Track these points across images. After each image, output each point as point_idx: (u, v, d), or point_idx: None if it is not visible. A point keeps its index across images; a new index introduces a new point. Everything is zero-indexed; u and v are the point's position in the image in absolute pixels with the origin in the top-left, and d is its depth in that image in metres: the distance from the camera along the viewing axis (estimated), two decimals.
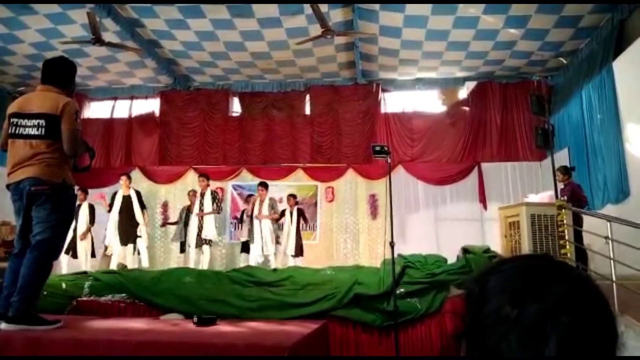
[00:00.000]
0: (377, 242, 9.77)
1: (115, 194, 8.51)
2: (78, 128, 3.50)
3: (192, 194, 9.41)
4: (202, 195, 8.62)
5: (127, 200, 8.32)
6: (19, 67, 10.43)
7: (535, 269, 0.77)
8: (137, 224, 8.26)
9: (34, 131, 3.42)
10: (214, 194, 8.75)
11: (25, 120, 3.44)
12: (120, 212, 8.20)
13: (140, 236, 8.32)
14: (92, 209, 8.70)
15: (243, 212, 9.63)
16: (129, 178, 8.69)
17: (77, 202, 8.04)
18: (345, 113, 11.49)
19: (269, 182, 10.62)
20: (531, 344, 0.68)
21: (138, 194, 8.56)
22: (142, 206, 8.50)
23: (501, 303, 0.73)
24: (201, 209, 8.47)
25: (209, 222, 8.45)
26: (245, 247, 9.09)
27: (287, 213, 9.14)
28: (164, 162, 11.52)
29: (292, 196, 9.43)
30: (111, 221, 8.23)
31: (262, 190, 8.89)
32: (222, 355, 2.58)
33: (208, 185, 8.77)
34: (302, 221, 9.30)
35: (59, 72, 3.65)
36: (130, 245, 8.20)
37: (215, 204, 8.53)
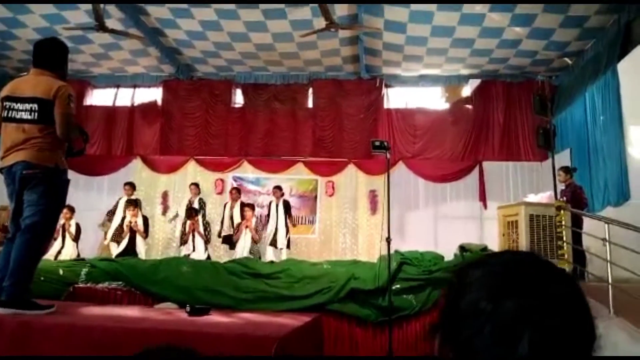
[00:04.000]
0: (375, 237, 9.76)
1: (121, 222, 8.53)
2: (71, 112, 3.48)
3: (192, 187, 9.42)
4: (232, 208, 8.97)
5: (132, 233, 8.35)
6: (22, 52, 10.41)
7: (516, 266, 0.76)
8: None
9: (26, 115, 3.40)
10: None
11: (18, 104, 3.42)
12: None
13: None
14: (78, 227, 8.48)
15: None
16: (135, 207, 8.56)
17: (62, 221, 8.09)
18: (347, 107, 11.44)
19: (269, 175, 10.69)
20: (504, 341, 0.67)
21: (145, 220, 8.62)
22: (147, 232, 8.62)
23: (478, 297, 0.72)
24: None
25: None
26: (228, 241, 8.97)
27: (273, 205, 9.04)
28: (166, 152, 11.50)
29: (277, 188, 9.31)
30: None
31: (249, 210, 8.67)
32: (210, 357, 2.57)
33: (239, 197, 9.16)
34: (286, 215, 9.04)
35: (51, 55, 3.62)
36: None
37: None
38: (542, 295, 0.69)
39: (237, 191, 9.43)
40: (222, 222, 9.13)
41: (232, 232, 8.80)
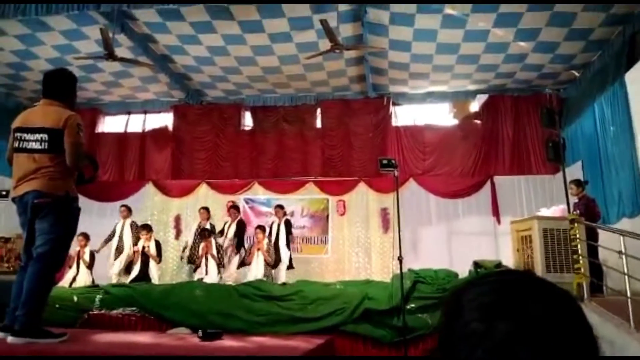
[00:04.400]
0: (388, 256, 9.68)
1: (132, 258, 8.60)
2: (81, 141, 3.54)
3: (202, 211, 9.42)
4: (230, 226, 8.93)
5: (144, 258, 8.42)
6: (34, 82, 10.62)
7: (512, 285, 0.75)
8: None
9: (37, 145, 3.47)
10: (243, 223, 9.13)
11: (29, 135, 3.49)
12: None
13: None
14: (92, 255, 8.54)
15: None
16: (149, 231, 8.68)
17: (77, 248, 8.24)
18: (356, 126, 11.48)
19: (280, 197, 10.69)
20: None
21: (157, 245, 8.68)
22: (160, 256, 8.67)
23: (472, 317, 0.72)
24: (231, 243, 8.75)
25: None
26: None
27: (275, 225, 9.00)
28: (177, 176, 11.59)
29: (279, 207, 9.32)
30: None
31: (260, 233, 8.67)
32: None
33: (238, 214, 9.11)
34: (288, 235, 9.02)
35: (60, 85, 3.70)
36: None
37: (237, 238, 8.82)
38: (535, 316, 0.69)
39: (235, 210, 9.39)
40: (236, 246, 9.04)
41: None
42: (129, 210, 9.04)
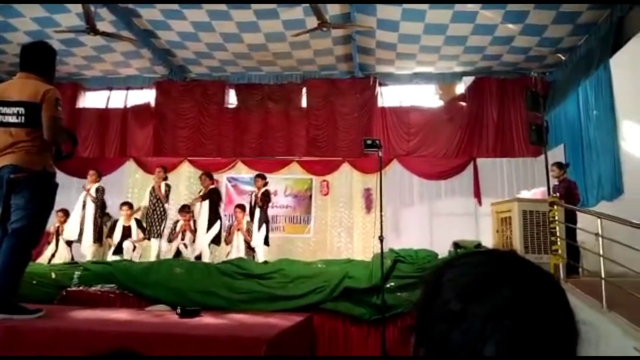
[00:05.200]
0: (370, 236, 9.73)
1: (114, 224, 8.42)
2: (59, 116, 3.47)
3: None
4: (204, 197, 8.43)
5: (126, 231, 8.24)
6: (13, 55, 10.33)
7: (491, 266, 0.73)
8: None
9: (13, 119, 3.39)
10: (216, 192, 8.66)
11: (5, 108, 3.41)
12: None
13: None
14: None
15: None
16: (130, 207, 8.51)
17: (57, 224, 8.13)
18: (341, 106, 11.42)
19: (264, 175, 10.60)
20: (471, 344, 0.65)
21: (138, 222, 8.47)
22: (143, 232, 8.39)
23: (449, 298, 0.70)
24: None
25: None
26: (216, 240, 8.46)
27: (253, 196, 8.52)
28: (159, 153, 11.45)
29: (260, 177, 8.69)
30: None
31: (240, 212, 8.38)
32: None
33: (212, 183, 8.67)
34: (263, 206, 8.34)
35: (38, 58, 3.61)
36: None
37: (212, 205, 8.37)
38: (511, 298, 0.67)
39: (208, 177, 8.72)
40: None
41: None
42: (98, 175, 8.56)
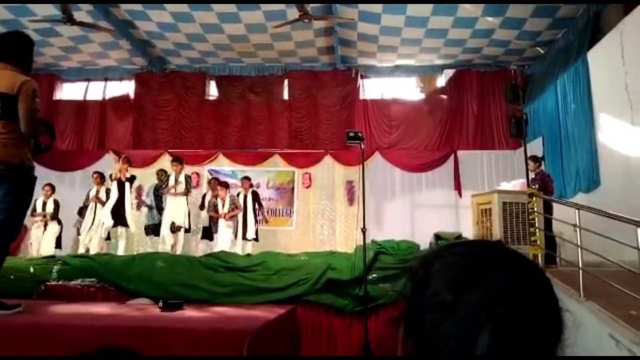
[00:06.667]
0: (352, 228, 9.79)
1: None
2: (36, 107, 3.40)
3: (161, 173, 9.20)
4: (176, 180, 8.40)
5: (121, 187, 8.13)
6: None
7: (481, 256, 0.74)
8: (125, 212, 8.11)
9: None
10: (187, 178, 8.57)
11: None
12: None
13: (127, 226, 8.18)
14: (56, 204, 8.39)
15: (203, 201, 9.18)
16: (129, 162, 8.50)
17: (43, 198, 8.12)
18: (323, 99, 11.40)
19: (245, 168, 10.57)
20: (464, 334, 0.65)
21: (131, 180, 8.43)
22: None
23: (440, 288, 0.70)
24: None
25: (180, 207, 8.27)
26: (207, 234, 8.74)
27: (241, 196, 8.79)
28: (139, 146, 11.31)
29: (246, 178, 9.09)
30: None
31: (222, 189, 8.60)
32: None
33: (182, 169, 8.57)
34: (256, 205, 8.86)
35: (15, 49, 3.51)
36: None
37: (187, 188, 8.35)
38: (502, 287, 0.68)
39: (178, 162, 8.67)
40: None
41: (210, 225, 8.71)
42: (102, 177, 8.56)
